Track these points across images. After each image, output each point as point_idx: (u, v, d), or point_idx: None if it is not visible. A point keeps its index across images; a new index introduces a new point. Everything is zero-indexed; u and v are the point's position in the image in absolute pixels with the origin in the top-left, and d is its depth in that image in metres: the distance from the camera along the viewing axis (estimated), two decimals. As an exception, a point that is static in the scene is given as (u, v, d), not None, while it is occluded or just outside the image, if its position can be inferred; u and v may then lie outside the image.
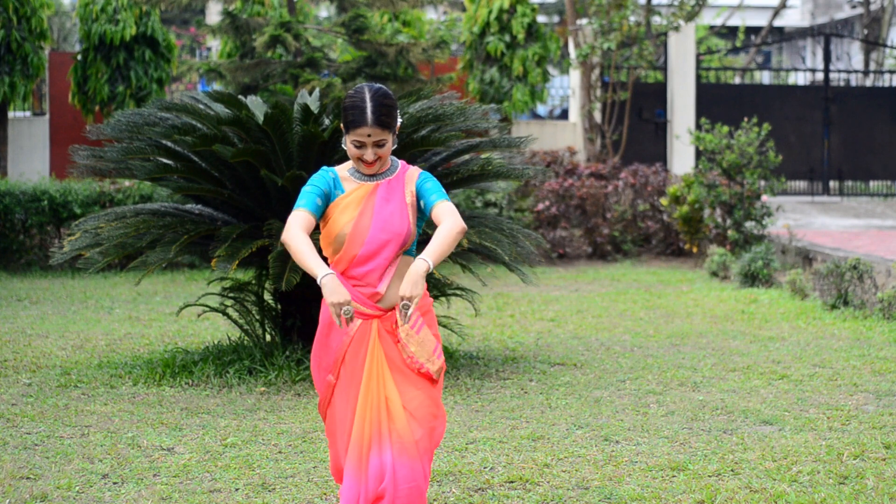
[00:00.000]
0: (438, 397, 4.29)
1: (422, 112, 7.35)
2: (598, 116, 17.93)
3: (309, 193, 4.21)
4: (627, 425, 6.21)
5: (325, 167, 4.33)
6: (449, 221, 4.16)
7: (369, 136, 4.16)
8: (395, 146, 4.32)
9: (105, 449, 5.72)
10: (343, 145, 4.26)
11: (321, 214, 4.23)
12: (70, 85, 17.24)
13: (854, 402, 6.75)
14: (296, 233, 4.12)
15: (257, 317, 7.97)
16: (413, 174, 4.32)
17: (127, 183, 13.67)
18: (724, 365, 7.88)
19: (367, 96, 4.17)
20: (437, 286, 7.89)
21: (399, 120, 4.28)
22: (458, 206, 13.87)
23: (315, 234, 4.64)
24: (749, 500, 4.91)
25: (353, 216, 4.21)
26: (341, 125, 4.28)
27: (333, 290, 4.01)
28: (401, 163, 4.36)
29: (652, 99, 18.66)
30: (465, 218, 7.78)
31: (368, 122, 4.14)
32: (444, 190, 4.28)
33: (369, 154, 4.19)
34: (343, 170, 4.30)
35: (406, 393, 4.21)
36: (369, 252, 4.21)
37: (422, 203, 4.27)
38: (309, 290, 7.68)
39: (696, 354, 8.28)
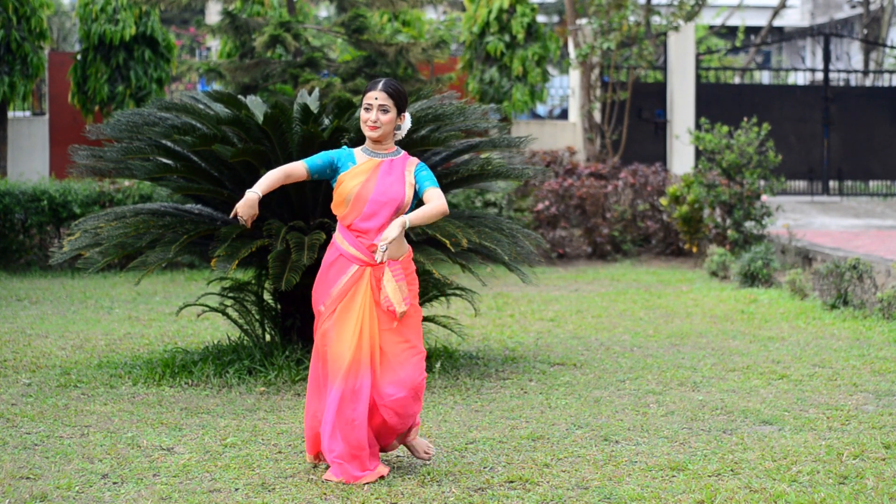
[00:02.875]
0: (415, 334, 5.28)
1: (421, 112, 7.35)
2: (597, 116, 17.93)
3: (318, 156, 5.31)
4: (627, 425, 6.21)
5: (345, 146, 5.47)
6: (435, 201, 5.21)
7: (376, 98, 5.19)
8: (400, 132, 5.34)
9: (105, 449, 5.72)
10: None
11: (317, 173, 5.29)
12: (70, 85, 17.25)
13: (854, 402, 6.75)
14: (275, 169, 5.30)
15: (257, 317, 7.97)
16: (413, 162, 5.34)
17: (127, 183, 13.67)
18: (724, 365, 7.88)
19: (383, 78, 5.28)
20: (437, 286, 7.89)
21: (408, 115, 5.34)
22: (457, 205, 13.91)
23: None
24: (749, 500, 4.91)
25: (360, 181, 5.23)
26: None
27: (243, 202, 5.20)
28: (404, 152, 5.38)
29: (652, 99, 18.67)
30: (465, 218, 7.78)
31: (378, 87, 5.21)
32: (436, 180, 5.31)
33: (373, 115, 5.20)
34: (358, 149, 5.36)
35: (388, 334, 5.20)
36: (371, 211, 5.22)
37: (416, 186, 5.28)
38: (309, 290, 7.67)
39: (696, 354, 8.28)
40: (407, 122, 5.35)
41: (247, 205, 5.19)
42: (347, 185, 5.23)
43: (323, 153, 5.31)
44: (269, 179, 5.28)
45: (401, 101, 5.24)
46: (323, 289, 5.29)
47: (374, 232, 5.22)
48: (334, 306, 5.23)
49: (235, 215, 5.22)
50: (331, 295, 5.24)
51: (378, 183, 5.23)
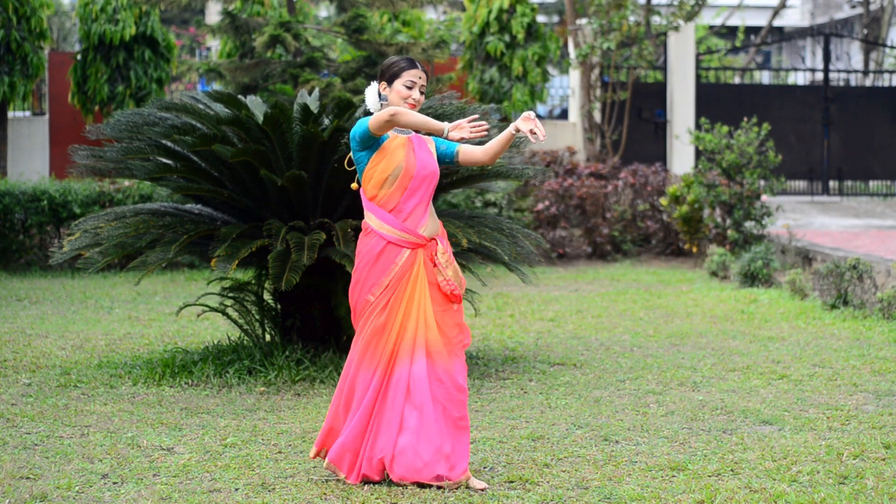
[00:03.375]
0: (462, 317, 5.28)
1: (421, 112, 7.36)
2: (597, 116, 17.93)
3: (361, 123, 5.07)
4: (627, 425, 6.21)
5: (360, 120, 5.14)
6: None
7: (420, 77, 5.14)
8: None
9: (105, 449, 5.72)
10: (378, 104, 5.16)
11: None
12: (70, 85, 17.25)
13: (854, 402, 6.75)
14: (401, 110, 4.99)
15: (257, 317, 7.97)
16: (429, 138, 5.29)
17: (127, 183, 13.67)
18: (724, 365, 7.88)
19: (409, 57, 5.19)
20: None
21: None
22: (457, 205, 13.91)
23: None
24: (749, 500, 4.91)
25: (404, 154, 5.11)
26: (381, 83, 5.17)
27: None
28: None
29: (652, 99, 18.66)
30: (465, 218, 7.79)
31: (419, 66, 5.16)
32: None
33: (416, 93, 5.13)
34: None
35: (438, 314, 5.13)
36: (416, 185, 5.12)
37: (443, 147, 5.25)
38: (308, 290, 7.68)
39: (696, 354, 8.28)
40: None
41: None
42: (395, 159, 5.10)
43: (358, 124, 5.12)
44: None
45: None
46: (372, 277, 5.10)
47: (422, 209, 5.12)
48: (389, 296, 5.09)
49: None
50: (382, 284, 5.08)
51: (417, 157, 5.15)
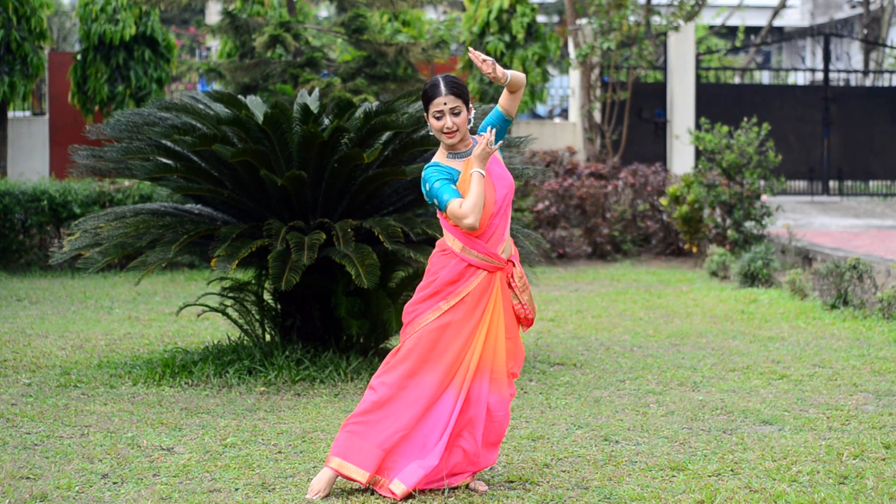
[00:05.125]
0: (520, 341, 5.17)
1: (421, 112, 7.35)
2: (597, 116, 17.93)
3: (445, 184, 4.92)
4: (627, 425, 6.21)
5: (426, 165, 5.02)
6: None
7: (445, 104, 4.91)
8: (472, 125, 5.08)
9: (105, 449, 5.72)
10: (428, 131, 5.21)
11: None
12: (70, 85, 17.25)
13: (854, 402, 6.75)
14: (467, 200, 4.86)
15: (257, 317, 7.97)
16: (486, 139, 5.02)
17: (127, 183, 13.67)
18: (724, 365, 7.88)
19: (439, 77, 4.98)
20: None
21: (471, 106, 5.04)
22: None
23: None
24: (749, 500, 4.91)
25: (480, 188, 4.87)
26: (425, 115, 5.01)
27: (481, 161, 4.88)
28: (475, 136, 5.07)
29: (652, 99, 18.67)
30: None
31: (442, 92, 4.92)
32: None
33: (448, 121, 4.93)
34: (441, 157, 5.04)
35: (507, 340, 5.04)
36: (498, 205, 4.97)
37: (495, 129, 4.98)
38: (308, 290, 7.68)
39: (696, 354, 8.28)
40: (472, 113, 5.09)
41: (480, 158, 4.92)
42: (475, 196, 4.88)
43: (444, 182, 4.92)
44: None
45: (466, 95, 4.97)
46: (446, 289, 4.96)
47: (503, 226, 4.99)
48: (462, 312, 4.96)
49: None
50: (458, 293, 4.95)
51: (492, 175, 4.97)
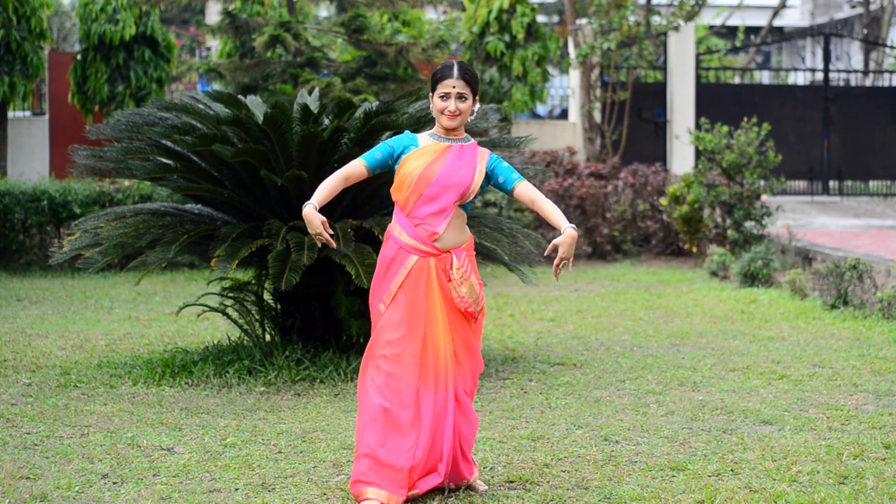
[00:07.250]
0: (478, 338, 5.07)
1: (422, 112, 7.36)
2: (597, 116, 17.93)
3: (377, 147, 5.00)
4: (627, 425, 6.21)
5: (407, 131, 5.09)
6: (542, 196, 4.98)
7: (454, 87, 4.90)
8: (472, 117, 5.02)
9: (105, 449, 5.72)
10: (430, 109, 5.18)
11: (379, 167, 5.00)
12: (70, 85, 17.25)
13: (854, 402, 6.75)
14: (331, 176, 4.96)
15: (257, 317, 7.97)
16: (484, 151, 5.06)
17: (127, 183, 13.67)
18: (724, 365, 7.88)
19: (454, 61, 4.98)
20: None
21: (478, 104, 5.03)
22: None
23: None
24: (749, 500, 4.91)
25: (425, 161, 4.93)
26: (430, 94, 5.00)
27: (308, 221, 4.85)
28: (474, 140, 5.10)
29: (652, 99, 18.67)
30: (465, 218, 7.78)
31: (454, 75, 4.91)
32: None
33: (452, 104, 4.91)
34: (424, 134, 5.06)
35: (453, 331, 4.95)
36: (434, 193, 4.91)
37: (500, 179, 5.01)
38: (308, 290, 7.68)
39: (696, 354, 8.28)
40: (477, 107, 5.07)
41: (311, 224, 4.84)
42: (411, 165, 4.92)
43: (380, 145, 5.01)
44: (326, 188, 4.93)
45: (476, 86, 4.97)
46: (382, 285, 4.95)
47: (438, 218, 4.91)
48: (402, 308, 4.90)
49: (321, 245, 4.97)
50: (390, 290, 4.91)
51: (446, 165, 4.93)
